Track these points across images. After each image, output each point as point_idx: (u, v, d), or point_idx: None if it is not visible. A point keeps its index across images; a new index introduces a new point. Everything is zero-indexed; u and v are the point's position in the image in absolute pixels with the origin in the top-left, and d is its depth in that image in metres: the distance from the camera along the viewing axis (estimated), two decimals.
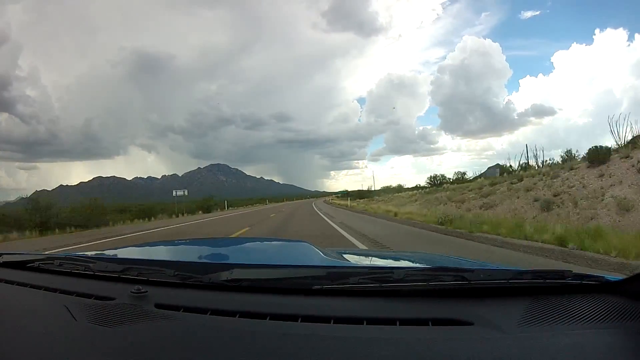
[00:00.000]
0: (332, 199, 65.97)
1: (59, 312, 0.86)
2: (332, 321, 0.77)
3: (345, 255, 1.43)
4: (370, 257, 1.75)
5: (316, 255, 1.33)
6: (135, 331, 0.76)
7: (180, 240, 2.84)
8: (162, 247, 1.86)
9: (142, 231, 13.53)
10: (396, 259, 1.65)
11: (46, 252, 2.63)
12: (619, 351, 0.69)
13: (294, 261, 1.38)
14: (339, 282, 0.89)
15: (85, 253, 1.33)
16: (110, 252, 1.39)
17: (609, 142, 13.85)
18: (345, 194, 63.81)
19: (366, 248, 6.33)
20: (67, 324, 0.81)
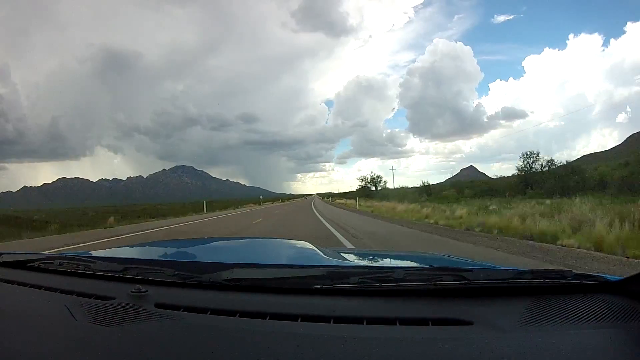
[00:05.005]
0: (329, 199, 57.77)
1: (59, 312, 0.85)
2: (332, 321, 0.77)
3: (345, 255, 1.44)
4: (370, 257, 1.75)
5: (316, 255, 1.34)
6: (136, 331, 0.76)
7: (180, 240, 2.80)
8: (162, 247, 1.85)
9: None
10: (396, 258, 1.66)
11: (46, 252, 2.51)
12: (619, 351, 0.69)
13: (294, 261, 1.39)
14: (339, 281, 0.90)
15: (85, 253, 1.31)
16: (110, 252, 1.36)
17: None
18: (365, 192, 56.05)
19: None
20: (67, 323, 0.80)
